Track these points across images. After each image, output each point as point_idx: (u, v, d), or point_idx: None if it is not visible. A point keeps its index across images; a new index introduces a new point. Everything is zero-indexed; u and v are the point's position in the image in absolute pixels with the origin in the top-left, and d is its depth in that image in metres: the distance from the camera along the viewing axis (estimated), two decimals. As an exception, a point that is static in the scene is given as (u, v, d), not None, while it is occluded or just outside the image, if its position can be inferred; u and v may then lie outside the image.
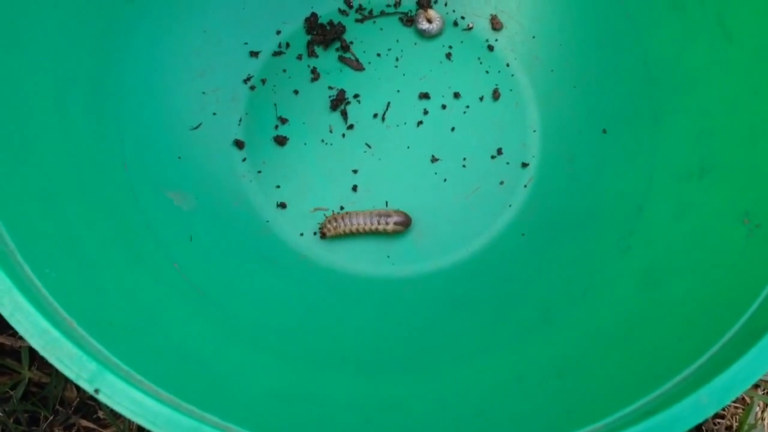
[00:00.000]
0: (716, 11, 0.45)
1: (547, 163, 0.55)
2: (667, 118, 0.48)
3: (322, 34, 0.56)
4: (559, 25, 0.56)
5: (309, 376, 0.42)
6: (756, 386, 0.56)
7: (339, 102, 0.56)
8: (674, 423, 0.31)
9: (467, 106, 0.56)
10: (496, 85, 0.56)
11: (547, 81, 0.56)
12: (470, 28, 0.57)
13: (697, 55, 0.47)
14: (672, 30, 0.49)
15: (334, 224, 0.52)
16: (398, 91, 0.56)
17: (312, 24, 0.57)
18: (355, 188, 0.55)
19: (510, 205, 0.54)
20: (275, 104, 0.56)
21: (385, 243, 0.53)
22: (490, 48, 0.57)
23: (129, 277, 0.41)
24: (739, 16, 0.44)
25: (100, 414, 0.54)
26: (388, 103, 0.56)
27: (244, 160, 0.54)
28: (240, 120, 0.55)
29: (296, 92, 0.56)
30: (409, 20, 0.57)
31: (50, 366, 0.34)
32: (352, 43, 0.57)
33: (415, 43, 0.57)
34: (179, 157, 0.51)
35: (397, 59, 0.57)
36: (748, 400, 0.56)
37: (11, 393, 0.54)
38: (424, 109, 0.56)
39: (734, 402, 0.56)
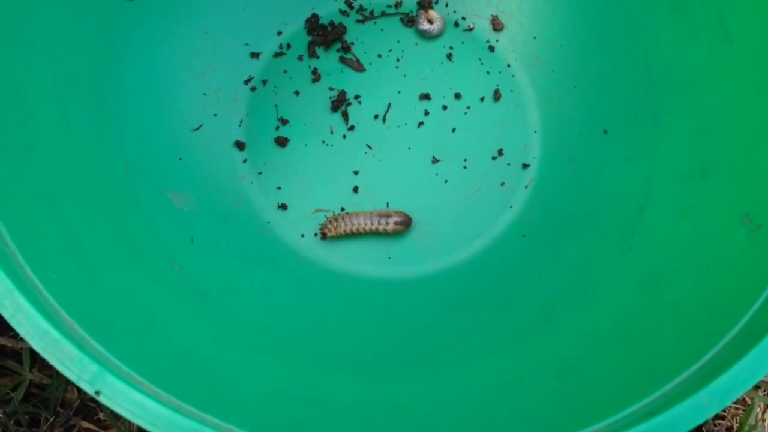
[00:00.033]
0: (716, 11, 0.45)
1: (548, 163, 0.55)
2: (667, 119, 0.48)
3: (323, 35, 0.56)
4: (560, 25, 0.56)
5: (309, 376, 0.42)
6: (757, 387, 0.56)
7: (340, 103, 0.56)
8: (675, 424, 0.31)
9: (468, 107, 0.56)
10: (497, 85, 0.56)
11: (547, 82, 0.56)
12: (471, 29, 0.57)
13: (698, 55, 0.47)
14: (672, 30, 0.49)
15: (335, 224, 0.52)
16: (399, 91, 0.56)
17: (313, 25, 0.57)
18: (356, 189, 0.55)
19: (511, 206, 0.54)
20: (276, 105, 0.56)
21: (386, 244, 0.53)
22: (491, 49, 0.57)
23: (129, 278, 0.41)
24: (739, 17, 0.44)
25: (101, 415, 0.54)
26: (389, 103, 0.56)
27: (244, 161, 0.54)
28: (241, 121, 0.55)
29: (297, 93, 0.56)
30: (410, 21, 0.57)
31: (51, 368, 0.34)
32: (353, 43, 0.57)
33: (416, 44, 0.57)
34: (180, 158, 0.51)
35: (398, 60, 0.57)
36: (748, 401, 0.56)
37: (12, 394, 0.54)
38: (425, 110, 0.56)
39: (735, 403, 0.56)
